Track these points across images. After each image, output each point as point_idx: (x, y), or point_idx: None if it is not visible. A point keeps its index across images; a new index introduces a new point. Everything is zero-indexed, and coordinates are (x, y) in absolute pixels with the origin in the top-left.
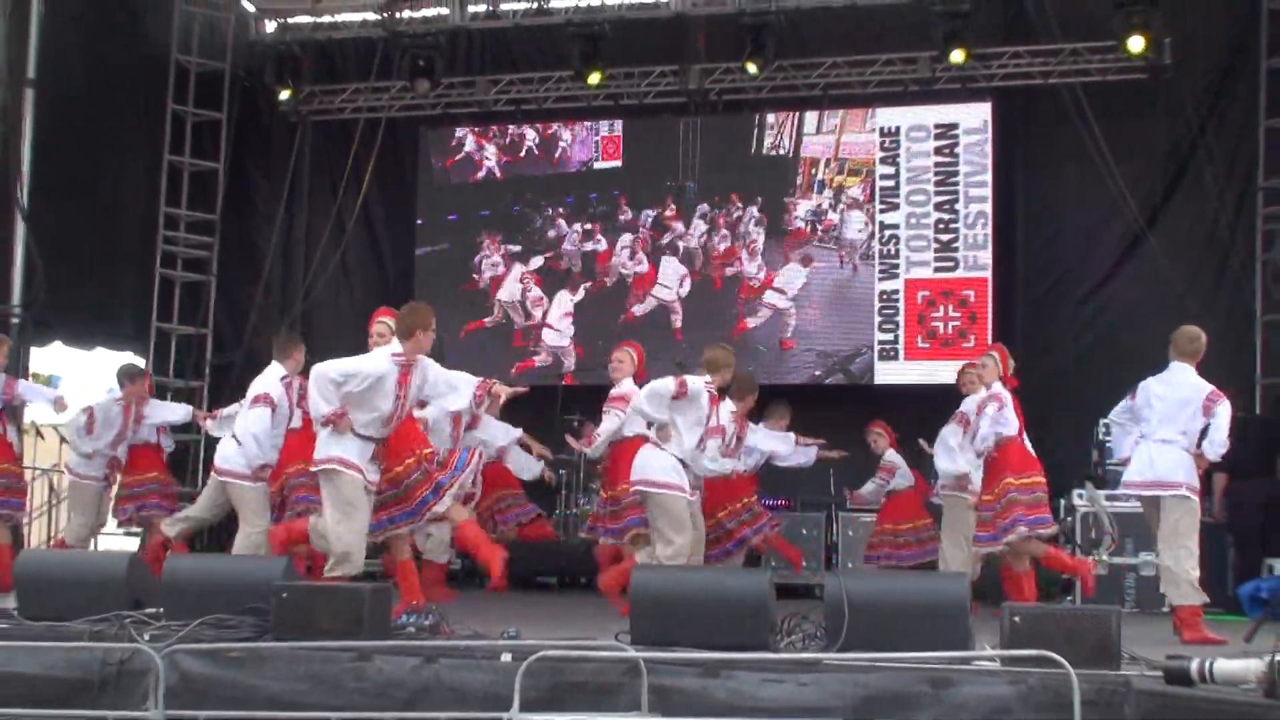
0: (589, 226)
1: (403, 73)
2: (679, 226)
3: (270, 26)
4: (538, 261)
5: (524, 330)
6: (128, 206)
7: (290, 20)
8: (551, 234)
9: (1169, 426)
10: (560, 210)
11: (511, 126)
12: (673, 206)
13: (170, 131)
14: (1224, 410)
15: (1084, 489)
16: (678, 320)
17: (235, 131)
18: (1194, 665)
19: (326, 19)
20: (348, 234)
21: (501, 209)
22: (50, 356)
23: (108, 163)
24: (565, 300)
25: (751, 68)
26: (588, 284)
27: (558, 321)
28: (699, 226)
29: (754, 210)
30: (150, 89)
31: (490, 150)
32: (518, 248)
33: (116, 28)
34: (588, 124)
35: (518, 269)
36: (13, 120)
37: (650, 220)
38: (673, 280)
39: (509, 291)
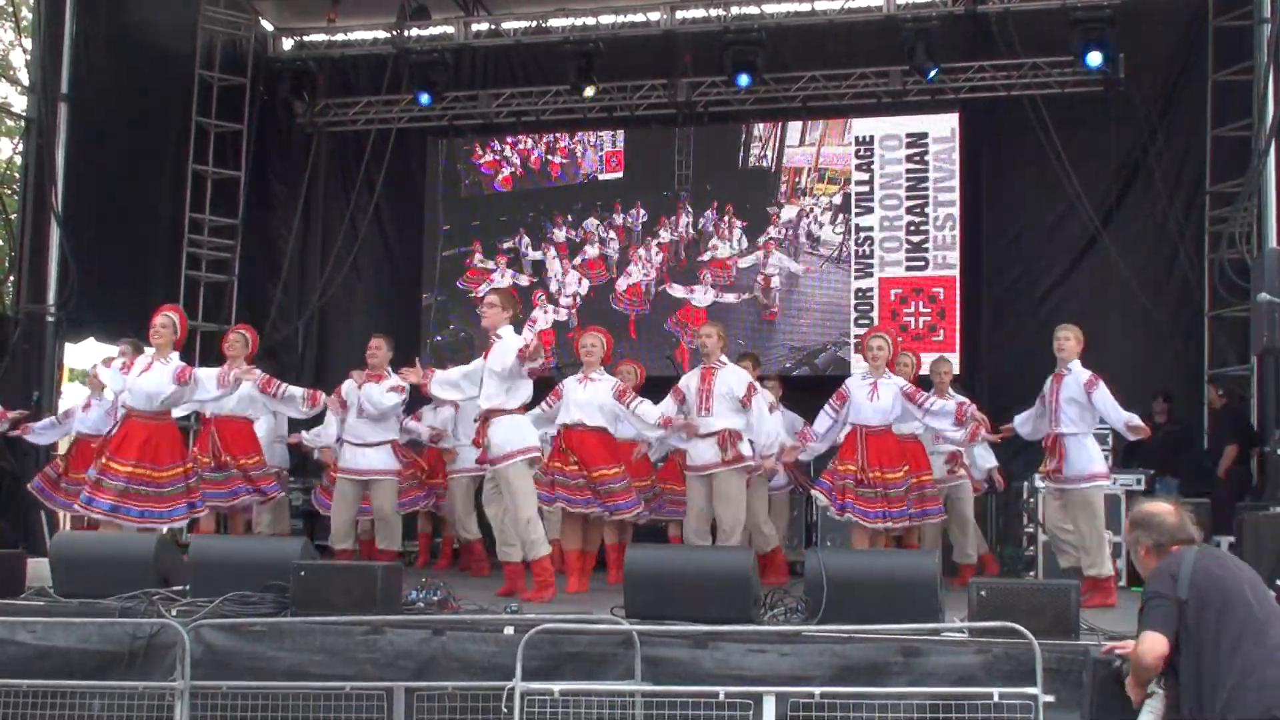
0: (592, 231)
1: (411, 87)
2: (675, 232)
3: (288, 44)
4: (549, 263)
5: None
6: (155, 212)
7: (306, 38)
8: (560, 238)
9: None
10: (569, 217)
11: (519, 138)
12: (669, 214)
13: (194, 142)
14: None
15: None
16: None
17: (255, 141)
18: None
19: (340, 37)
20: (360, 236)
21: (516, 217)
22: (83, 352)
23: (136, 171)
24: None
25: (744, 79)
26: (588, 284)
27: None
28: (691, 232)
29: (741, 217)
30: (175, 102)
31: (507, 163)
32: (532, 251)
33: (144, 46)
34: (593, 140)
35: (532, 269)
36: (47, 132)
37: (649, 226)
38: (671, 281)
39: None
